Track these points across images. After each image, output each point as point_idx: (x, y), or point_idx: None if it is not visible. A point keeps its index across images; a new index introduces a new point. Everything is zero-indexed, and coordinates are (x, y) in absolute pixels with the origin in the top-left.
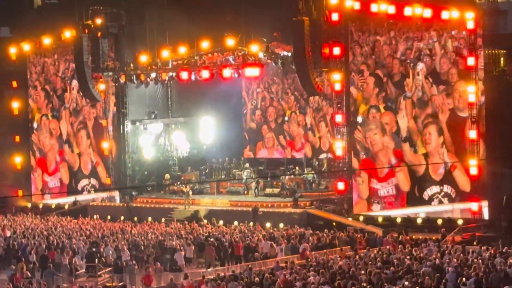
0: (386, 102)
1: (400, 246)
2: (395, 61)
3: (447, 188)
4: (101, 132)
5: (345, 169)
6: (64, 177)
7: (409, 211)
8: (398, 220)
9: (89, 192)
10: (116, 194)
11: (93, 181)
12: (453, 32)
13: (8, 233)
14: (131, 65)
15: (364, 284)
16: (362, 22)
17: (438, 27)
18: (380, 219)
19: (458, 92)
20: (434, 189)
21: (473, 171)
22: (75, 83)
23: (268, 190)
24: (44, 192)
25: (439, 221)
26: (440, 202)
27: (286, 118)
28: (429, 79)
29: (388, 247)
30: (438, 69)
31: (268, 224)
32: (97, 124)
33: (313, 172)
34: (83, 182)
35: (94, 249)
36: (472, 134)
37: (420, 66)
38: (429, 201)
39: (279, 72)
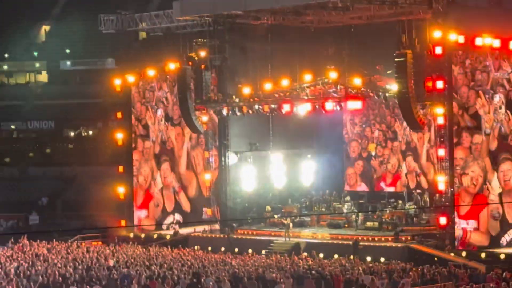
0: None
1: (504, 283)
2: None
3: None
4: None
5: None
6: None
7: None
8: (502, 256)
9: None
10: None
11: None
12: None
13: (111, 262)
14: (234, 97)
15: None
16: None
17: None
18: (483, 255)
19: None
20: None
21: None
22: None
23: (368, 224)
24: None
25: None
26: None
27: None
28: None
29: (491, 284)
30: None
31: (368, 258)
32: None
33: (414, 206)
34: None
35: (195, 280)
36: None
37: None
38: None
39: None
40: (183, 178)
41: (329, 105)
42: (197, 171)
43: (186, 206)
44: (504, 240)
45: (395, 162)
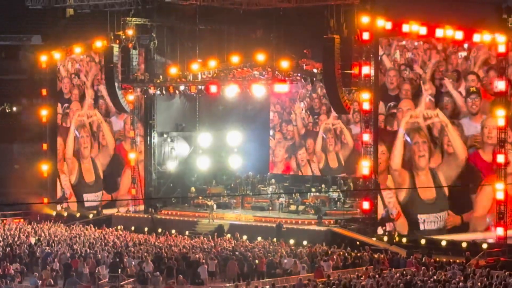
0: None
1: (423, 268)
2: None
3: None
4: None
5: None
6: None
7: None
8: (423, 241)
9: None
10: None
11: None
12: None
13: (33, 240)
14: (161, 77)
15: None
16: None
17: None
18: (404, 240)
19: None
20: None
21: (500, 195)
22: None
23: (292, 207)
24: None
25: (464, 245)
26: None
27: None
28: None
29: (411, 268)
30: None
31: (291, 241)
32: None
33: (338, 190)
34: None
35: (117, 259)
36: (500, 158)
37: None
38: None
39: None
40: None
41: (256, 88)
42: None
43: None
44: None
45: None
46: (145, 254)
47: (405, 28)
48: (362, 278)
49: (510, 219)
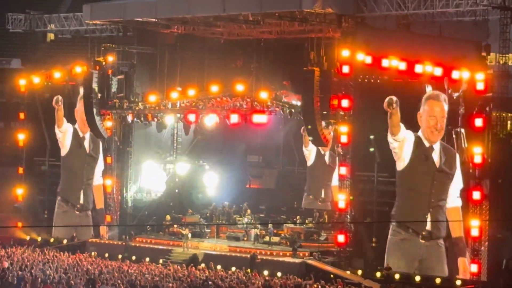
0: None
1: None
2: None
3: None
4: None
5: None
6: None
7: None
8: (397, 276)
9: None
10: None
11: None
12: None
13: (6, 265)
14: (140, 104)
15: None
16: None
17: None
18: (378, 275)
19: None
20: None
21: (474, 232)
22: None
23: (267, 238)
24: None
25: (437, 280)
26: None
27: None
28: None
29: None
30: None
31: (265, 272)
32: None
33: (313, 222)
34: None
35: (90, 286)
36: (476, 195)
37: None
38: None
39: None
40: None
41: (235, 118)
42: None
43: None
44: None
45: None
46: (118, 281)
47: (385, 62)
48: None
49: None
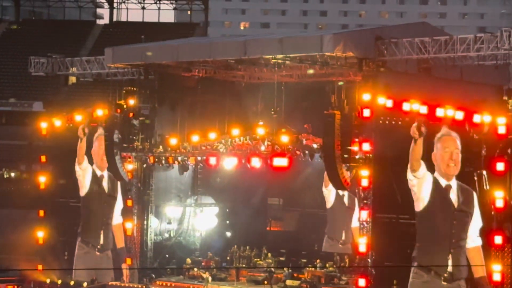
0: None
1: None
2: None
3: None
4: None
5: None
6: None
7: None
8: None
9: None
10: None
11: None
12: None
13: None
14: (160, 147)
15: None
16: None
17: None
18: None
19: None
20: None
21: (497, 277)
22: None
23: (288, 282)
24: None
25: None
26: None
27: None
28: None
29: None
30: None
31: None
32: None
33: (333, 266)
34: None
35: None
36: (498, 239)
37: None
38: None
39: None
40: None
41: (255, 161)
42: None
43: None
44: None
45: None
46: None
47: (406, 106)
48: None
49: None
